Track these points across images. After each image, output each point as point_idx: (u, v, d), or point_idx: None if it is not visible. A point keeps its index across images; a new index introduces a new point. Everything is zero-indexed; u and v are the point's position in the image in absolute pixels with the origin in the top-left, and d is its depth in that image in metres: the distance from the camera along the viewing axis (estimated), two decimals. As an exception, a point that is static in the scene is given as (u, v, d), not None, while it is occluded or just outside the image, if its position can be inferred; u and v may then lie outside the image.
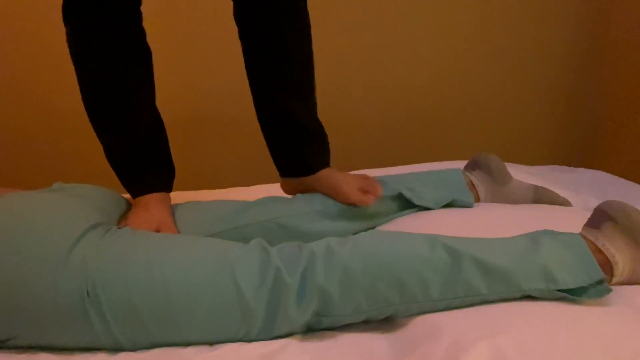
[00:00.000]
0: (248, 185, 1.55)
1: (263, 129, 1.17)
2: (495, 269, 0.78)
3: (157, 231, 0.94)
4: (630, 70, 2.00)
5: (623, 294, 0.81)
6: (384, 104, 2.05)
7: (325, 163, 1.16)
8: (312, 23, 1.13)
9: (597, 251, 0.82)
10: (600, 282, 0.78)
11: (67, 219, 0.82)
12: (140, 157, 1.05)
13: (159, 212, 1.00)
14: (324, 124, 1.17)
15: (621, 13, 2.02)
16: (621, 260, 0.81)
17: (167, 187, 1.09)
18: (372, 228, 1.10)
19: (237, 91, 1.92)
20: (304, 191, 1.16)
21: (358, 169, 1.51)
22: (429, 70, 2.05)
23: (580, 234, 0.85)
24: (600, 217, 0.84)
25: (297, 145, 1.15)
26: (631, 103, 2.00)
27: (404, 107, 2.07)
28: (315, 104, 1.17)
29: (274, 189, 1.31)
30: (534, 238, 0.83)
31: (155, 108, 1.08)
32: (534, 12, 2.05)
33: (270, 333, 0.78)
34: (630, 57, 1.99)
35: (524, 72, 2.10)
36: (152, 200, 1.03)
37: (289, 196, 1.16)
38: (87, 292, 0.74)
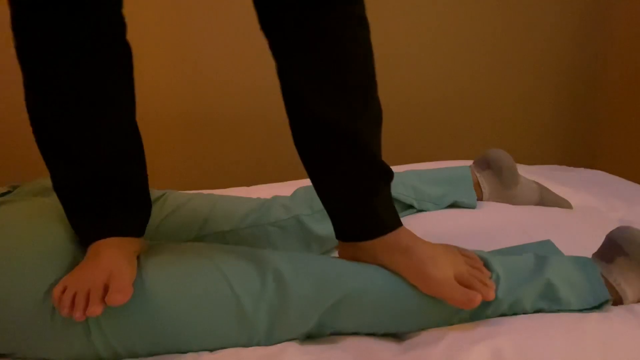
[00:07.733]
0: (248, 185, 1.55)
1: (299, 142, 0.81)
2: (501, 300, 0.76)
3: (106, 286, 0.70)
4: (630, 70, 2.00)
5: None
6: (384, 104, 2.04)
7: (397, 220, 0.79)
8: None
9: (608, 285, 0.80)
10: (605, 302, 0.78)
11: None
12: (104, 191, 0.79)
13: (109, 261, 0.74)
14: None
15: (622, 12, 2.02)
16: (630, 294, 0.80)
17: (135, 231, 0.81)
18: None
19: (238, 91, 1.92)
20: (362, 260, 0.80)
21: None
22: (429, 69, 2.05)
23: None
24: (613, 250, 0.82)
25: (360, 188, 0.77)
26: (631, 103, 2.00)
27: (404, 107, 2.06)
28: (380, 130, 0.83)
29: (274, 189, 1.30)
30: (542, 256, 0.82)
31: (133, 124, 0.81)
32: (536, 11, 2.04)
33: (270, 342, 0.78)
34: (631, 57, 1.99)
35: (524, 71, 2.10)
36: (105, 246, 0.77)
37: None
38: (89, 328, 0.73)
